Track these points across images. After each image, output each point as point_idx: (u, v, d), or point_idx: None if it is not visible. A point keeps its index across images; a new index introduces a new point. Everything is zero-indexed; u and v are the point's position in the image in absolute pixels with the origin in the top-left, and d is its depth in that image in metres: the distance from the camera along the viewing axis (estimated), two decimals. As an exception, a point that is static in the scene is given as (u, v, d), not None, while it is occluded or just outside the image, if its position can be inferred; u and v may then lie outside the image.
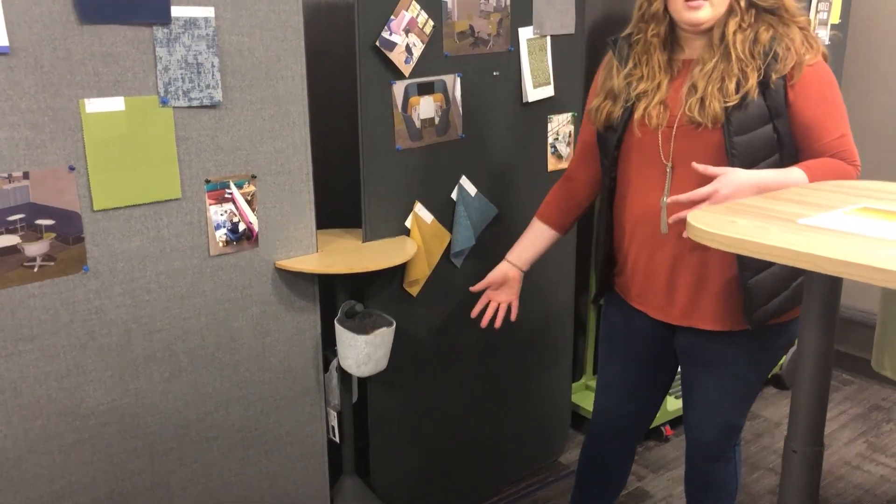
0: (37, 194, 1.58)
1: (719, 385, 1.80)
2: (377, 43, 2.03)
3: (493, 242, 2.44)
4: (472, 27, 2.23)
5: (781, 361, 3.33)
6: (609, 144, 1.74)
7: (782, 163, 1.61)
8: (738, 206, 1.29)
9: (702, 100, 1.56)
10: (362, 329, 2.08)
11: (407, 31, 2.08)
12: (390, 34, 2.05)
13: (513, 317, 2.05)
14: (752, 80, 1.53)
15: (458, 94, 2.25)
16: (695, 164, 1.52)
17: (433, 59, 2.16)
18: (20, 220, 1.56)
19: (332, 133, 2.31)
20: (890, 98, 3.23)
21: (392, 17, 2.04)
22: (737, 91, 1.54)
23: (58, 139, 1.59)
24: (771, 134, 1.58)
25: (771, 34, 1.56)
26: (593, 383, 3.13)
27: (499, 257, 2.46)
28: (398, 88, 2.11)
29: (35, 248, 1.59)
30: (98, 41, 1.60)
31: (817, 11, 2.98)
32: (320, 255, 2.05)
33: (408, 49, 2.10)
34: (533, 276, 2.57)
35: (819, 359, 1.27)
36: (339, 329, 2.05)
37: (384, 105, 2.10)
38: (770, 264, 1.60)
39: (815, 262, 1.02)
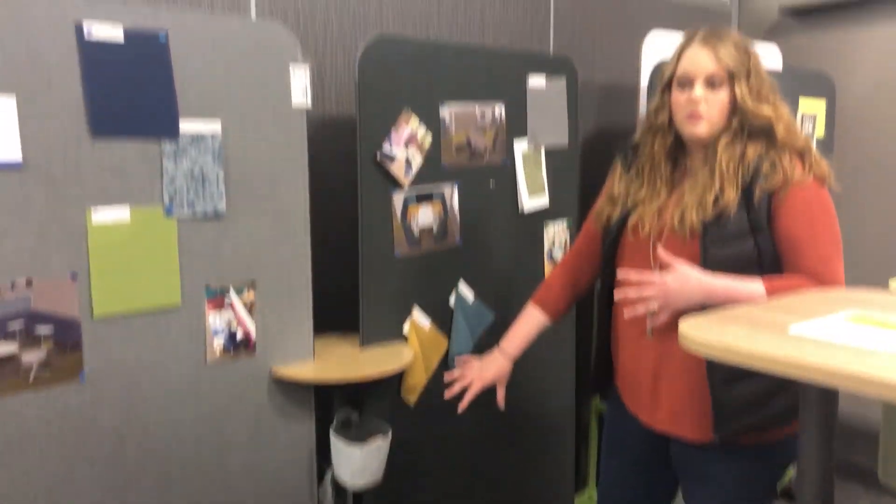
0: (38, 302, 1.60)
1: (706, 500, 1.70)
2: (378, 156, 2.10)
3: (491, 349, 2.43)
4: (469, 140, 2.31)
5: (791, 473, 3.24)
6: (605, 246, 1.78)
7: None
8: (729, 314, 1.30)
9: (683, 211, 1.59)
10: (358, 439, 2.05)
11: (407, 145, 2.16)
12: (391, 147, 2.13)
13: (499, 400, 1.95)
14: (729, 195, 1.54)
15: (455, 203, 2.31)
16: (659, 249, 1.54)
17: (432, 170, 2.23)
18: (19, 327, 1.58)
19: (332, 239, 2.35)
20: (878, 208, 3.30)
21: (393, 131, 2.13)
22: (714, 205, 1.55)
23: (63, 248, 1.63)
24: (752, 249, 1.56)
25: (759, 153, 1.57)
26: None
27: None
28: (398, 198, 2.17)
29: (32, 357, 1.60)
30: (108, 154, 1.66)
31: (802, 127, 3.09)
32: (317, 362, 2.05)
33: (407, 161, 2.17)
34: (533, 384, 2.55)
35: (819, 471, 1.25)
36: (334, 439, 2.02)
37: (384, 213, 2.15)
38: (746, 378, 1.56)
39: (805, 371, 1.02)
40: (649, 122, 1.72)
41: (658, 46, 2.73)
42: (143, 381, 1.76)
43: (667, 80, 1.65)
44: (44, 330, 1.61)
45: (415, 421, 2.28)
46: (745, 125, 1.59)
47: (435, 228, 2.27)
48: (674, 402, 1.68)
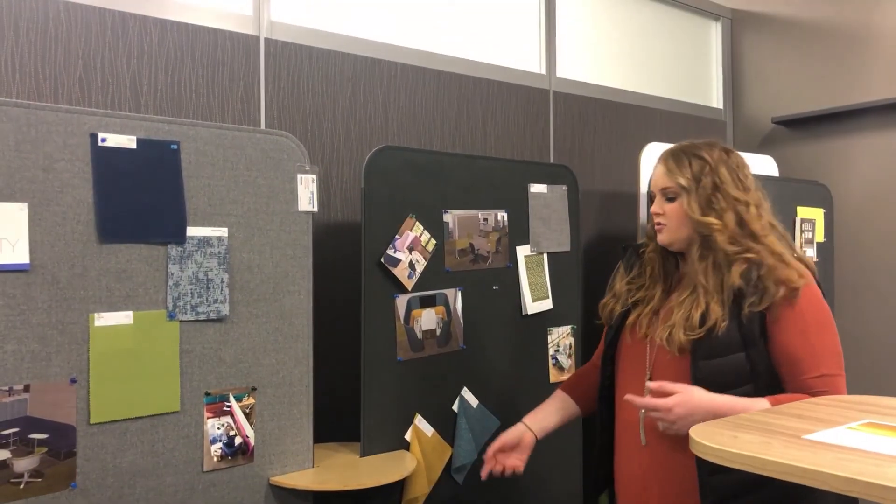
0: (34, 407, 1.57)
1: None
2: (382, 260, 2.12)
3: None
4: (472, 245, 2.34)
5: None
6: (606, 343, 1.80)
7: (756, 393, 1.55)
8: (739, 421, 1.27)
9: (671, 329, 1.59)
10: (357, 552, 1.96)
11: (410, 249, 2.19)
12: (395, 251, 2.15)
13: (518, 464, 1.88)
14: (716, 313, 1.54)
15: (458, 306, 2.31)
16: (648, 384, 1.54)
17: (435, 274, 2.25)
18: (13, 434, 1.54)
19: (335, 344, 2.34)
20: (881, 310, 3.29)
21: (397, 236, 2.16)
22: (702, 323, 1.55)
23: (63, 352, 1.62)
24: (743, 363, 1.55)
25: (745, 267, 1.56)
26: None
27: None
28: (401, 302, 2.18)
29: (24, 464, 1.55)
30: (114, 258, 1.68)
31: (802, 231, 3.14)
32: (316, 470, 1.99)
33: (411, 265, 2.19)
34: (539, 495, 2.47)
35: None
36: (332, 552, 1.93)
37: (387, 317, 2.15)
38: (737, 498, 1.53)
39: (822, 479, 0.99)
40: (647, 231, 1.81)
41: (655, 156, 2.81)
42: (137, 490, 1.70)
43: (648, 193, 1.79)
44: (39, 436, 1.57)
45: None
46: (700, 234, 1.63)
47: (438, 332, 2.26)
48: None
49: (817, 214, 3.21)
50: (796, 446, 1.10)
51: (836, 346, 1.58)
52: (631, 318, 1.74)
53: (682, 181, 1.65)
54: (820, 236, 3.22)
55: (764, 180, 3.05)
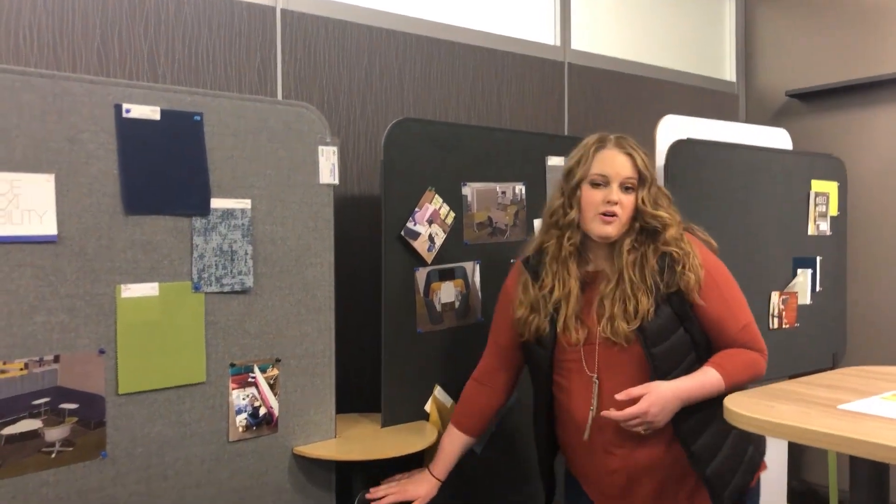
0: (64, 378, 1.58)
1: None
2: (402, 233, 2.12)
3: (513, 428, 2.39)
4: (490, 218, 2.33)
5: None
6: (542, 362, 1.78)
7: (699, 359, 1.69)
8: (773, 391, 1.28)
9: (611, 322, 1.65)
10: (379, 521, 1.98)
11: (430, 222, 2.18)
12: (414, 224, 2.15)
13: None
14: (644, 304, 1.63)
15: (477, 279, 2.31)
16: (617, 396, 1.61)
17: (454, 247, 2.25)
18: (45, 404, 1.55)
19: (356, 317, 2.34)
20: (891, 281, 3.30)
21: (416, 209, 2.15)
22: (636, 314, 1.63)
23: (91, 323, 1.62)
24: (684, 336, 1.67)
25: (659, 254, 1.66)
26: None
27: (517, 443, 2.40)
28: (420, 275, 2.18)
29: (55, 434, 1.57)
30: (140, 230, 1.68)
31: (816, 205, 3.13)
32: (339, 440, 2.01)
33: (430, 238, 2.19)
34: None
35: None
36: (355, 521, 1.95)
37: (407, 290, 2.15)
38: (718, 450, 1.67)
39: (865, 448, 1.00)
40: (554, 220, 1.75)
41: (671, 130, 2.80)
42: (165, 459, 1.72)
43: (578, 179, 1.71)
44: (69, 406, 1.58)
45: (435, 500, 2.21)
46: (642, 227, 1.69)
47: (457, 304, 2.27)
48: (649, 497, 1.73)
49: (831, 188, 3.20)
50: (834, 416, 1.11)
51: (742, 297, 1.73)
52: (559, 327, 1.72)
53: (644, 172, 1.68)
54: (834, 210, 3.21)
55: (778, 153, 3.05)
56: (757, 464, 1.76)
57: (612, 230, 1.67)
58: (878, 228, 3.35)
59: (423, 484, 1.92)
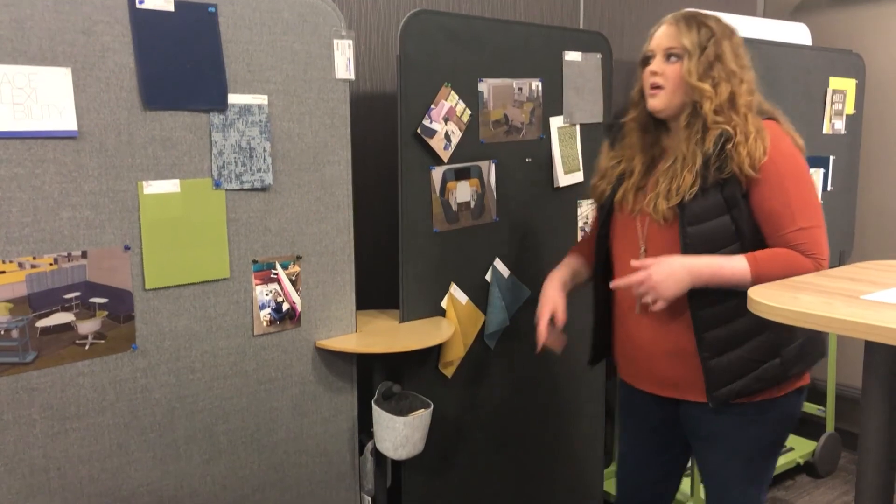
0: (93, 273, 1.60)
1: (723, 462, 1.77)
2: (418, 130, 2.10)
3: (527, 324, 2.44)
4: (506, 116, 2.31)
5: (813, 449, 3.26)
6: (600, 222, 1.85)
7: (743, 251, 1.63)
8: (796, 283, 1.30)
9: (655, 198, 1.66)
10: (400, 411, 2.06)
11: (446, 120, 2.16)
12: (430, 122, 2.12)
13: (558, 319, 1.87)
14: (688, 181, 1.61)
15: (492, 179, 2.31)
16: (632, 262, 1.63)
17: (470, 145, 2.23)
18: (75, 298, 1.58)
19: (372, 215, 2.36)
20: (906, 185, 3.30)
21: (432, 106, 2.12)
22: (677, 192, 1.62)
23: (115, 219, 1.63)
24: (728, 224, 1.62)
25: (718, 133, 1.61)
26: (623, 471, 3.06)
27: (531, 339, 2.46)
28: (437, 174, 2.17)
29: (88, 326, 1.60)
30: (159, 126, 1.66)
31: (832, 103, 3.09)
32: (359, 335, 2.06)
33: (446, 136, 2.17)
34: (564, 362, 2.56)
35: (884, 432, 1.26)
36: (376, 411, 2.03)
37: (423, 189, 2.15)
38: (731, 348, 1.65)
39: (890, 335, 1.03)
40: (629, 99, 1.79)
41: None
42: (193, 352, 1.77)
43: (640, 59, 1.74)
44: (99, 300, 1.61)
45: (452, 393, 2.29)
46: (695, 102, 1.65)
47: (472, 204, 2.27)
48: (669, 371, 1.75)
49: (849, 85, 3.15)
50: (858, 305, 1.14)
51: (812, 199, 1.63)
52: (618, 196, 1.77)
53: (688, 43, 1.64)
54: (850, 108, 3.17)
55: (796, 49, 2.98)
56: (781, 378, 1.68)
57: (656, 102, 1.68)
58: (893, 128, 3.31)
59: (553, 292, 1.87)
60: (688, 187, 1.60)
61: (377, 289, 2.30)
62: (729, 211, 1.62)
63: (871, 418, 1.26)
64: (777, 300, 1.17)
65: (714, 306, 1.63)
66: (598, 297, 1.90)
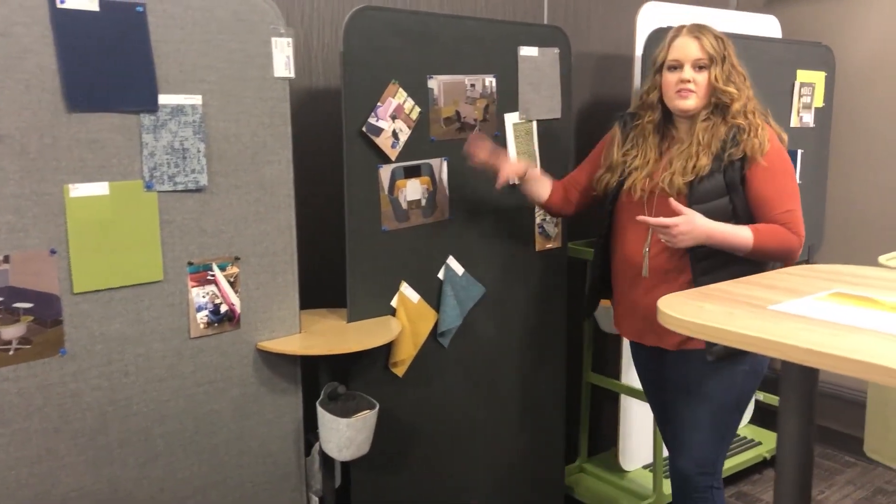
0: (16, 277, 1.59)
1: (692, 411, 2.04)
2: (363, 128, 2.08)
3: (482, 322, 2.43)
4: (458, 113, 2.28)
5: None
6: (606, 205, 2.12)
7: None
8: (709, 291, 1.28)
9: (671, 175, 1.94)
10: (345, 412, 2.05)
11: (393, 117, 2.13)
12: (377, 120, 2.10)
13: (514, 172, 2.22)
14: (702, 162, 1.91)
15: (444, 176, 2.28)
16: (671, 200, 1.87)
17: (420, 143, 2.20)
18: (-1, 302, 1.57)
19: (321, 214, 2.34)
20: (874, 177, 3.26)
21: (379, 103, 2.10)
22: (692, 170, 1.92)
23: (40, 223, 1.61)
24: (726, 205, 1.93)
25: (729, 126, 1.93)
26: (589, 466, 3.06)
27: (486, 336, 2.45)
28: (384, 172, 2.15)
29: (11, 332, 1.59)
30: (84, 128, 1.64)
31: (801, 96, 3.05)
32: (303, 335, 2.05)
33: (394, 134, 2.14)
34: (522, 358, 2.55)
35: (800, 444, 1.24)
36: (320, 412, 2.02)
37: (370, 188, 2.13)
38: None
39: (782, 350, 1.01)
40: (642, 100, 2.06)
41: (652, 17, 2.69)
42: (126, 355, 1.76)
43: (658, 65, 2.00)
44: (23, 305, 1.60)
45: (404, 393, 2.28)
46: (716, 103, 1.95)
47: (424, 202, 2.25)
48: (659, 330, 1.97)
49: (818, 78, 3.11)
50: (759, 317, 1.12)
51: (796, 187, 1.97)
52: (627, 185, 2.02)
53: (713, 53, 1.93)
54: (819, 101, 3.14)
55: (764, 42, 2.94)
56: None
57: (689, 104, 1.94)
58: (863, 121, 3.28)
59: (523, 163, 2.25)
60: (703, 167, 1.90)
61: (328, 288, 2.28)
62: (728, 193, 1.92)
63: (786, 427, 1.25)
64: (683, 312, 1.15)
65: (710, 257, 1.92)
66: (598, 262, 2.19)
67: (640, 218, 1.89)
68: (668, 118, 2.03)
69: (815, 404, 1.25)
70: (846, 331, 1.05)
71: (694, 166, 1.91)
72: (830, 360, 0.96)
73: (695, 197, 1.91)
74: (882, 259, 1.81)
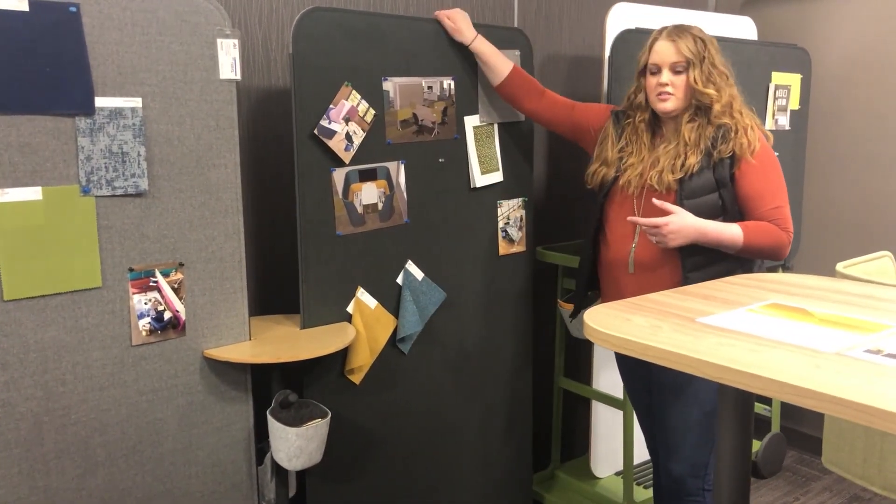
0: (-57, 285, 1.54)
1: (682, 413, 2.04)
2: (315, 131, 2.03)
3: (443, 327, 2.39)
4: (415, 115, 2.24)
5: (756, 449, 3.21)
6: (598, 199, 2.13)
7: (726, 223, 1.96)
8: (640, 302, 1.24)
9: (660, 173, 1.97)
10: (297, 420, 2.01)
11: (347, 120, 2.09)
12: (329, 122, 2.05)
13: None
14: (691, 160, 1.95)
15: (402, 180, 2.24)
16: (654, 200, 1.90)
17: (376, 146, 2.16)
18: (-76, 311, 1.53)
19: (274, 218, 2.29)
20: (851, 180, 3.22)
21: (331, 106, 2.05)
22: (682, 168, 1.95)
23: (-30, 229, 1.57)
24: (716, 201, 1.96)
25: (715, 126, 1.96)
26: (561, 473, 3.02)
27: (449, 342, 2.41)
28: (338, 175, 2.11)
29: (-62, 340, 1.55)
30: (15, 131, 1.60)
31: (776, 98, 3.00)
32: (253, 342, 2.00)
33: (348, 137, 2.10)
34: (487, 364, 2.51)
35: (736, 457, 1.20)
36: (270, 421, 1.98)
37: (324, 192, 2.08)
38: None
39: (697, 366, 0.97)
40: (630, 102, 2.09)
41: (622, 18, 2.64)
42: (63, 364, 1.71)
43: (641, 68, 2.04)
44: (-50, 313, 1.55)
45: (361, 401, 2.24)
46: (697, 104, 1.97)
47: (380, 206, 2.21)
48: None
49: (794, 80, 3.07)
50: (683, 331, 1.07)
51: (784, 188, 1.99)
52: (622, 180, 2.05)
53: (690, 55, 1.95)
54: (795, 104, 3.09)
55: (738, 44, 2.90)
56: None
57: (668, 106, 1.97)
58: (840, 123, 3.23)
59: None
60: (692, 165, 1.93)
61: (282, 295, 2.24)
62: (718, 190, 1.94)
63: (722, 443, 1.20)
64: (608, 325, 1.11)
65: (699, 254, 1.93)
66: (585, 258, 2.19)
67: (631, 219, 1.92)
68: (657, 117, 2.06)
69: (751, 418, 1.21)
70: (768, 346, 1.01)
71: (683, 164, 1.94)
72: (741, 377, 0.91)
73: (685, 192, 1.93)
74: (839, 267, 1.76)
